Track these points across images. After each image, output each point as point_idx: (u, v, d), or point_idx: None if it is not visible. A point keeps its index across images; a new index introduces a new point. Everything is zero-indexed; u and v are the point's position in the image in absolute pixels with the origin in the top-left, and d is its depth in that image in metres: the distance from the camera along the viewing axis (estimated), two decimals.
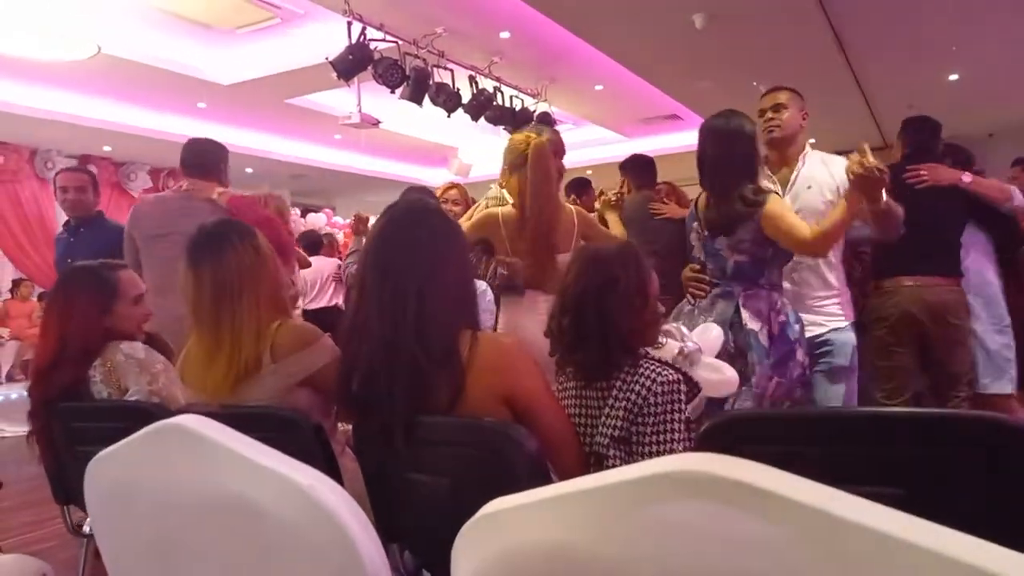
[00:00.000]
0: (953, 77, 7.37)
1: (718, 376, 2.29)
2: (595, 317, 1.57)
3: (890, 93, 7.66)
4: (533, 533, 0.52)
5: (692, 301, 2.39)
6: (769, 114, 2.54)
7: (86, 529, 2.12)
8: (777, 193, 2.37)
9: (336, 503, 0.62)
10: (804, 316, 2.34)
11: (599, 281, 1.60)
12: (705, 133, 2.37)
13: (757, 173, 2.30)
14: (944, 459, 0.93)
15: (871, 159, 1.99)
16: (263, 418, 1.51)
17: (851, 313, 2.52)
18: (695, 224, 2.42)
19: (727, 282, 2.29)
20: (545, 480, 1.29)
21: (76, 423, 1.82)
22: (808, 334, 2.33)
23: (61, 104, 7.34)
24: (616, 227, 3.51)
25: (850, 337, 2.45)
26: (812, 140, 2.70)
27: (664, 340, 1.82)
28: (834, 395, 2.41)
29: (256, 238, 1.77)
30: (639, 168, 3.96)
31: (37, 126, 7.60)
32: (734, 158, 2.26)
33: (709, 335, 2.19)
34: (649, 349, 1.67)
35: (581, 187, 4.88)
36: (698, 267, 2.40)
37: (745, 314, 2.22)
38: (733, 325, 2.22)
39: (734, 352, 2.18)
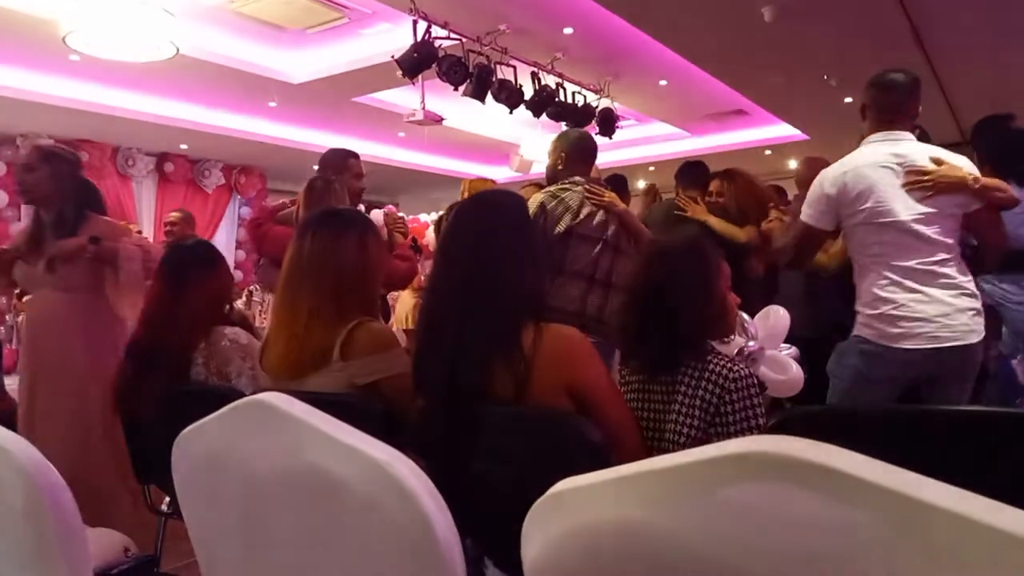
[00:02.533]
0: None
1: (783, 376, 2.25)
2: (658, 311, 1.57)
3: (970, 86, 7.34)
4: (604, 511, 0.53)
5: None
6: None
7: (164, 507, 2.22)
8: None
9: (413, 481, 0.64)
10: None
11: (662, 275, 1.59)
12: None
13: None
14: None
15: None
16: (333, 404, 1.55)
17: None
18: None
19: None
20: None
21: (172, 403, 1.86)
22: None
23: (141, 104, 7.66)
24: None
25: None
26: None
27: (732, 336, 1.79)
28: None
29: (343, 228, 1.75)
30: (683, 172, 3.95)
31: (119, 125, 7.96)
32: None
33: (771, 318, 2.13)
34: (715, 343, 1.65)
35: (618, 186, 4.88)
36: None
37: None
38: None
39: None
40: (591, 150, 3.12)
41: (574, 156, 3.02)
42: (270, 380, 1.76)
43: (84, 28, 4.31)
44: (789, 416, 1.09)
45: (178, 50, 4.87)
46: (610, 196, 2.91)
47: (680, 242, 1.68)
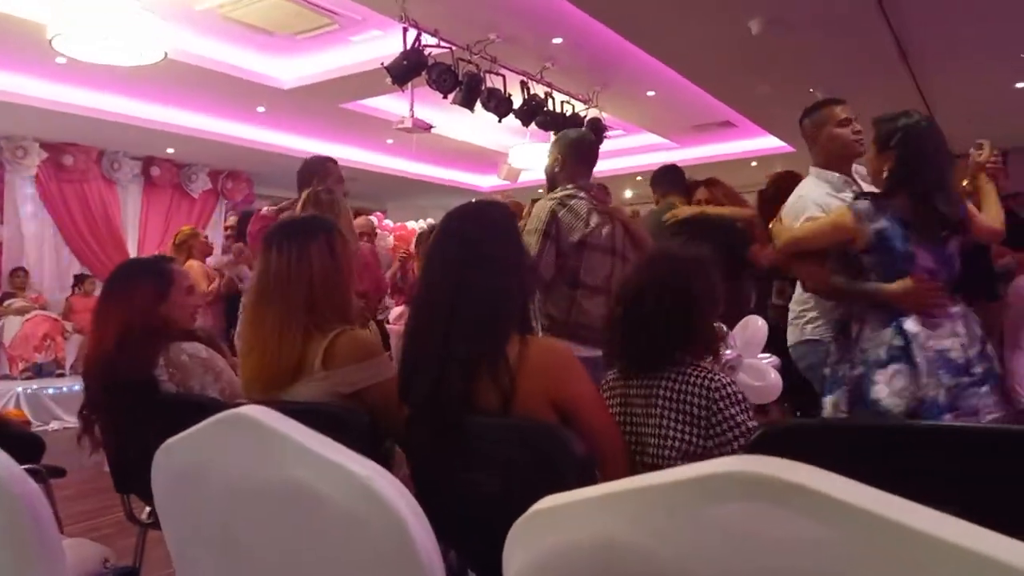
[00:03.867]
0: (1020, 85, 7.12)
1: (761, 383, 2.26)
2: (654, 313, 1.55)
3: (953, 101, 7.43)
4: (586, 530, 0.52)
5: (934, 315, 2.07)
6: (857, 126, 2.41)
7: (143, 517, 2.20)
8: None
9: (393, 494, 0.64)
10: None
11: (669, 281, 1.58)
12: (908, 132, 2.14)
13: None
14: (1004, 474, 0.91)
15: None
16: (315, 414, 1.54)
17: None
18: (905, 232, 2.11)
19: (956, 289, 2.09)
20: (593, 483, 1.29)
21: (149, 416, 1.86)
22: None
23: (127, 108, 7.61)
24: None
25: None
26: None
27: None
28: None
29: (307, 238, 1.73)
30: (658, 178, 3.90)
31: (105, 128, 7.90)
32: (944, 155, 2.14)
33: (750, 328, 2.15)
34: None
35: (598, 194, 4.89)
36: (922, 277, 2.08)
37: (980, 333, 2.06)
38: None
39: (983, 376, 2.02)
40: (590, 150, 3.00)
41: (571, 158, 2.91)
42: (249, 393, 1.75)
43: (71, 31, 4.28)
44: (773, 431, 1.09)
45: (166, 54, 4.84)
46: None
47: (693, 255, 1.67)
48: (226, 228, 5.26)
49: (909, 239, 2.08)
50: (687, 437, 1.50)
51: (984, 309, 2.92)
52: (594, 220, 2.74)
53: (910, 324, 2.05)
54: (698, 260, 1.64)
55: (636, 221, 3.01)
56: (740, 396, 1.51)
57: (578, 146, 2.95)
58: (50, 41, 4.42)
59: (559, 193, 2.81)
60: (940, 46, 6.04)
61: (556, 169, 2.91)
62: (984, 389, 2.00)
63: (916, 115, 2.17)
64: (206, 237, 5.17)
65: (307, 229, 1.78)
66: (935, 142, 2.13)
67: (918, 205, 2.06)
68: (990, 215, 2.13)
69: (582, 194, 2.79)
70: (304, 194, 3.01)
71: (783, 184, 4.46)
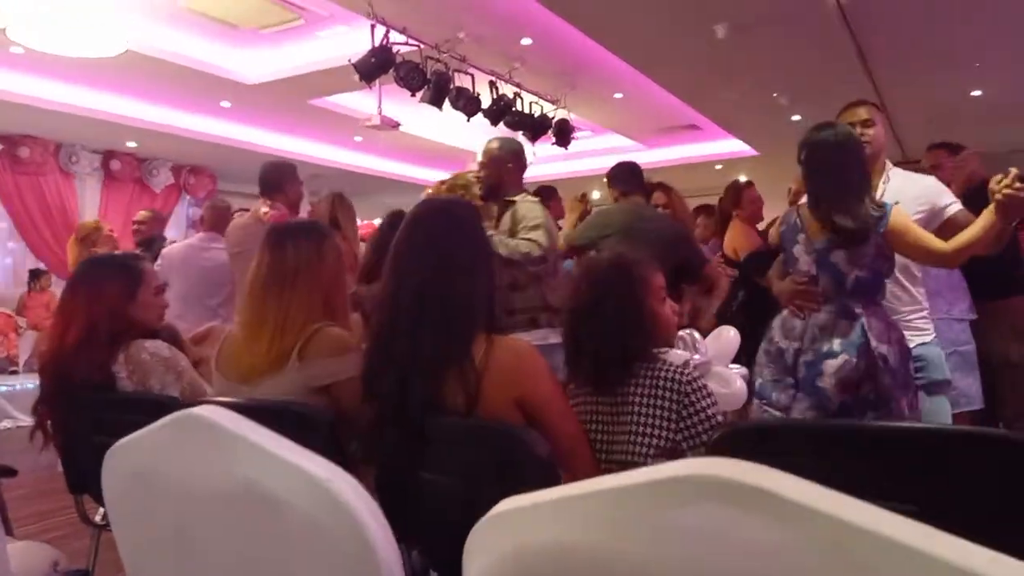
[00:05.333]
0: (976, 93, 7.32)
1: (727, 390, 2.30)
2: (596, 330, 1.60)
3: (912, 108, 7.62)
4: (545, 533, 0.52)
5: (801, 315, 2.24)
6: (859, 129, 2.44)
7: (97, 519, 2.14)
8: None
9: (353, 497, 0.63)
10: None
11: (593, 294, 1.64)
12: (813, 146, 2.24)
13: (870, 184, 2.28)
14: (959, 475, 0.93)
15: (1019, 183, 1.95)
16: (279, 413, 1.52)
17: (932, 328, 2.49)
18: (800, 236, 2.28)
19: (845, 298, 2.17)
20: (556, 485, 1.29)
21: (104, 414, 1.82)
22: None
23: (87, 100, 7.43)
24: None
25: (940, 351, 2.44)
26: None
27: (667, 350, 1.81)
28: (939, 408, 2.38)
29: (324, 241, 1.82)
30: (624, 176, 3.89)
31: (62, 120, 7.70)
32: (851, 169, 2.19)
33: (722, 338, 2.18)
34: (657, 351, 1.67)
35: (548, 196, 4.99)
36: (803, 279, 2.25)
37: (872, 336, 2.12)
38: (859, 347, 2.12)
39: (863, 375, 2.09)
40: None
41: (519, 167, 3.27)
42: (223, 382, 1.75)
43: (27, 20, 4.17)
44: (733, 431, 1.10)
45: (127, 46, 4.74)
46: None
47: (603, 262, 1.73)
48: (135, 223, 5.14)
49: (798, 243, 2.26)
50: (659, 432, 1.51)
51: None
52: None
53: (775, 319, 2.30)
54: (615, 263, 1.69)
55: None
56: (708, 390, 1.55)
57: (524, 155, 3.29)
58: (4, 30, 4.30)
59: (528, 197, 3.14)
60: (899, 55, 6.18)
61: (505, 177, 3.17)
62: (800, 394, 2.16)
63: (831, 130, 2.23)
64: (111, 230, 5.01)
65: (319, 230, 1.88)
66: (842, 157, 2.18)
67: (813, 214, 2.21)
68: (958, 239, 2.13)
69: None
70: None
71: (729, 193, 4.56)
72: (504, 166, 3.17)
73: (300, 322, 1.67)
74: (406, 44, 5.58)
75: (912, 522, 0.39)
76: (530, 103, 6.98)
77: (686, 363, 1.86)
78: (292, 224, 1.92)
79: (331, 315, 1.75)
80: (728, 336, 2.44)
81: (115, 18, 4.32)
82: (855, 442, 1.07)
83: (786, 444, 1.10)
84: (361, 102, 7.42)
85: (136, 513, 0.86)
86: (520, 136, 7.17)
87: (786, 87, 6.87)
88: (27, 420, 5.53)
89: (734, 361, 2.58)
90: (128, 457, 0.83)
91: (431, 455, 1.41)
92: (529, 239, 2.93)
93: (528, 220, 3.01)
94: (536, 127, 6.98)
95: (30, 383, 6.10)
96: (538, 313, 3.01)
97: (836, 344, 2.12)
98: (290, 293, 1.69)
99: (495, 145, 3.25)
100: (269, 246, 1.76)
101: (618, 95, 7.54)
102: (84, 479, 2.04)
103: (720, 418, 1.54)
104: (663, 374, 1.54)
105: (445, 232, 1.54)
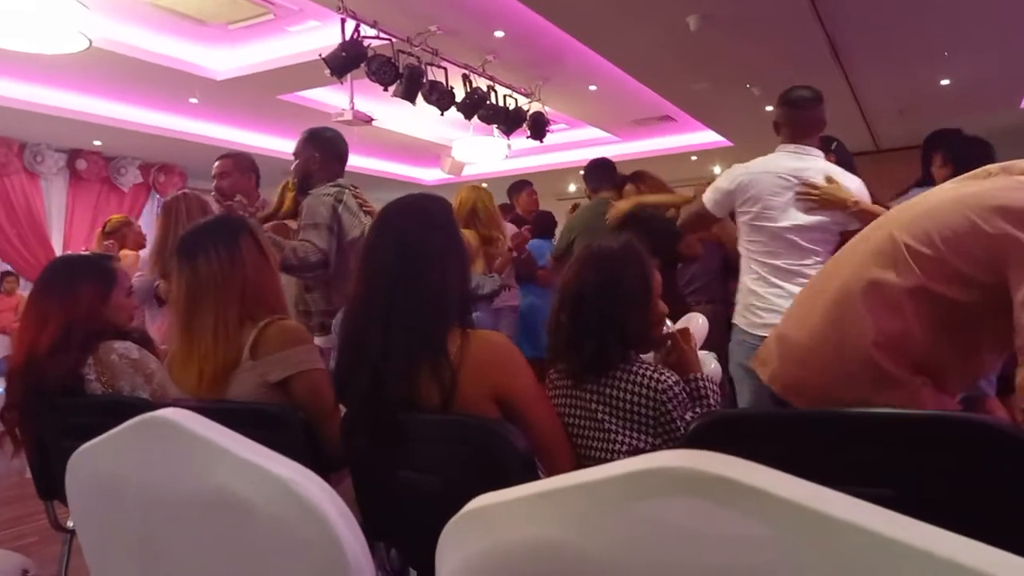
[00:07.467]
0: (945, 82, 7.42)
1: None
2: (594, 315, 1.55)
3: (882, 97, 7.70)
4: (518, 530, 0.51)
5: None
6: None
7: (69, 524, 2.10)
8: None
9: (319, 497, 0.61)
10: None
11: (600, 279, 1.57)
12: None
13: None
14: (933, 460, 0.93)
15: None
16: (249, 413, 1.50)
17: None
18: None
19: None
20: (535, 479, 1.28)
21: (73, 418, 1.78)
22: None
23: (51, 98, 7.27)
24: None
25: None
26: None
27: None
28: None
29: (236, 238, 1.72)
30: (594, 173, 3.89)
31: (27, 119, 7.53)
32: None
33: (691, 324, 2.18)
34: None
35: (520, 188, 5.12)
36: None
37: None
38: None
39: None
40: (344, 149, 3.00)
41: (335, 157, 2.91)
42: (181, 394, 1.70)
43: None
44: (707, 423, 1.10)
45: (91, 42, 4.63)
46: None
47: (617, 246, 1.65)
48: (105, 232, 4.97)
49: None
50: (634, 434, 1.50)
51: None
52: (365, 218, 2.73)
53: None
54: (629, 249, 1.63)
55: None
56: (684, 396, 1.52)
57: (337, 144, 2.94)
58: None
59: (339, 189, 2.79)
60: (869, 45, 6.25)
61: (314, 167, 2.86)
62: None
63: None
64: (139, 226, 4.97)
65: (230, 229, 1.75)
66: None
67: None
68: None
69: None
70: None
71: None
72: (312, 156, 2.87)
73: (235, 325, 1.62)
74: (377, 38, 5.52)
75: (883, 510, 0.38)
76: (504, 96, 6.95)
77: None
78: (200, 228, 1.79)
79: (269, 307, 1.69)
80: (697, 323, 2.48)
81: (77, 13, 4.22)
82: (830, 429, 1.07)
83: (761, 433, 1.10)
84: (333, 97, 7.34)
85: (101, 516, 0.84)
86: (495, 129, 7.15)
87: (759, 78, 6.91)
88: None
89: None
90: (93, 461, 0.81)
91: (407, 452, 1.40)
92: (304, 240, 2.59)
93: (305, 218, 2.66)
94: (511, 120, 6.95)
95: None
96: (327, 318, 2.69)
97: None
98: (212, 304, 1.63)
99: (303, 136, 2.96)
100: (179, 263, 1.69)
101: (592, 87, 7.54)
102: (54, 484, 2.00)
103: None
104: (639, 378, 1.51)
105: (415, 225, 1.52)
